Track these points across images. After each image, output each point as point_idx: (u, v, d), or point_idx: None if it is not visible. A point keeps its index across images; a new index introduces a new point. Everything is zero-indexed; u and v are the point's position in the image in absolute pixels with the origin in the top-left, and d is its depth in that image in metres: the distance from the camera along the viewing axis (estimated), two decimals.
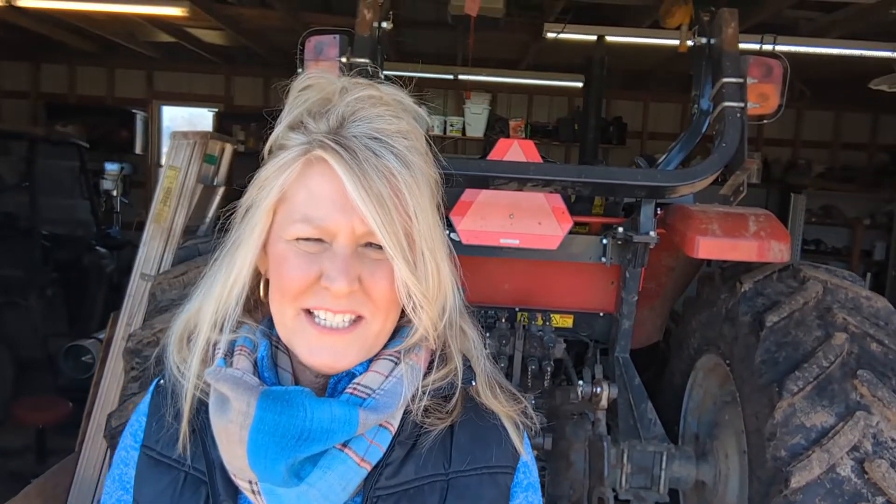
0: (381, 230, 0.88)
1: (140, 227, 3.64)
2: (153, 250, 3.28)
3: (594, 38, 5.41)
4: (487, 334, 3.10)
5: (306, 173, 0.91)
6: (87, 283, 6.67)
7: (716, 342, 3.07)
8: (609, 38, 5.60)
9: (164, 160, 3.48)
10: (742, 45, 2.92)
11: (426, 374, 0.98)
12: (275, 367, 0.97)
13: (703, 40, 2.95)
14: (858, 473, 2.32)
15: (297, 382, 0.97)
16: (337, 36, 2.74)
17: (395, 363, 0.96)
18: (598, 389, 2.86)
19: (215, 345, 0.97)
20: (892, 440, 2.36)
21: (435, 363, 1.00)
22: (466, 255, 3.06)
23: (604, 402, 2.88)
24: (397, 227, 0.89)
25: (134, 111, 9.44)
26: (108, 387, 3.43)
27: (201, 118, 10.06)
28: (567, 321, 3.36)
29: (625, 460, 2.91)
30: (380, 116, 0.92)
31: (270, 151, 0.96)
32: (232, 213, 1.00)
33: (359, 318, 0.92)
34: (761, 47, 2.96)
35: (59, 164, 6.88)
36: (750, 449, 2.70)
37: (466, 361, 1.02)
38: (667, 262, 3.43)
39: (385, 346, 0.98)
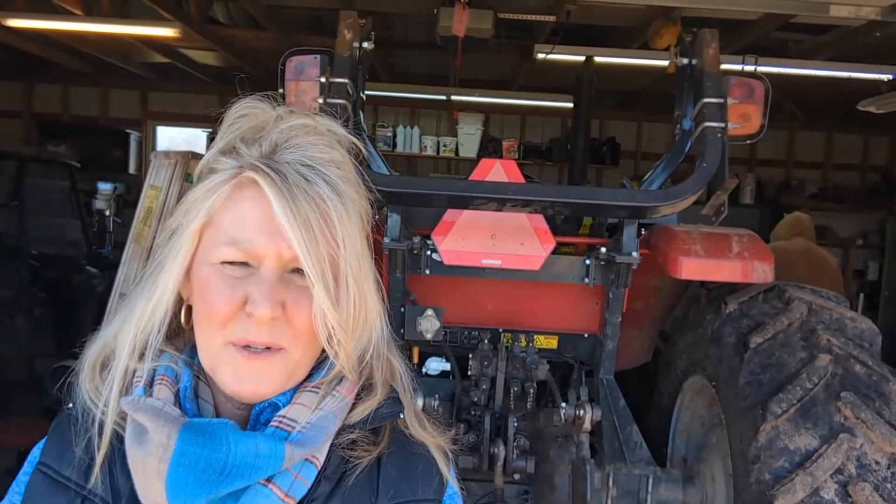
0: (304, 254, 0.86)
1: None
2: (132, 270, 3.26)
3: (583, 58, 5.42)
4: (470, 356, 3.08)
5: (235, 196, 0.90)
6: (76, 304, 6.64)
7: (702, 364, 3.05)
8: (598, 59, 5.62)
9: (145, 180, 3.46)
10: (727, 66, 2.92)
11: (353, 406, 0.96)
12: (196, 398, 0.94)
13: (686, 60, 2.95)
14: (842, 496, 2.30)
15: (218, 415, 0.95)
16: (317, 56, 2.74)
17: (322, 396, 0.94)
18: (582, 412, 2.83)
19: (134, 373, 0.94)
20: (876, 462, 2.34)
21: (362, 395, 0.98)
22: (449, 275, 3.04)
23: (587, 425, 2.85)
24: (321, 252, 0.88)
25: (127, 131, 9.46)
26: None
27: (198, 139, 10.06)
28: (552, 342, 3.33)
29: (610, 483, 2.87)
30: (313, 145, 0.92)
31: (200, 175, 0.95)
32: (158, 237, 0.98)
33: (279, 348, 0.90)
34: (743, 68, 2.96)
35: (49, 183, 6.88)
36: (735, 472, 2.68)
37: (394, 392, 1.00)
38: (654, 283, 3.40)
39: (309, 378, 0.96)
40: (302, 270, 0.89)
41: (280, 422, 0.90)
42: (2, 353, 5.62)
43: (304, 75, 2.72)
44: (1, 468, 4.77)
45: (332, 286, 0.89)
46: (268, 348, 0.89)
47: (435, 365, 3.20)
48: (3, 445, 4.80)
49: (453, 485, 1.02)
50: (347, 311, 0.91)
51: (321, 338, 0.90)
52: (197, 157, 3.47)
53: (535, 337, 3.24)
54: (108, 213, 8.18)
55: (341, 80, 2.69)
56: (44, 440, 1.00)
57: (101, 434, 0.92)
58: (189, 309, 0.96)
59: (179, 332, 1.00)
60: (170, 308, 0.94)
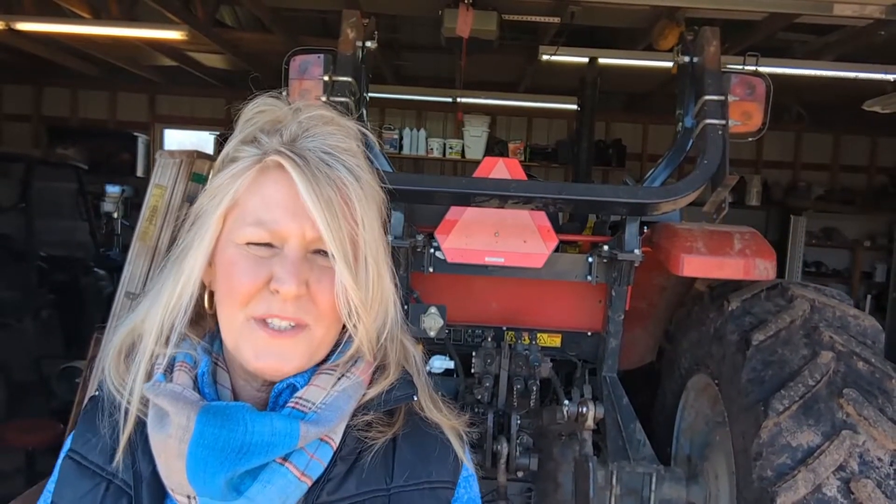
0: (327, 233, 0.90)
1: None
2: (138, 269, 3.28)
3: (587, 59, 5.44)
4: (473, 354, 3.08)
5: (260, 180, 0.93)
6: (84, 305, 6.67)
7: (705, 362, 3.05)
8: (603, 61, 5.63)
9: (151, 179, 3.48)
10: (731, 66, 2.93)
11: (368, 388, 0.99)
12: (214, 383, 0.97)
13: (687, 59, 2.96)
14: (845, 493, 2.29)
15: (236, 399, 0.98)
16: (321, 55, 2.76)
17: (337, 377, 0.97)
18: (585, 409, 2.83)
19: (157, 359, 0.97)
20: (879, 459, 2.33)
21: (376, 377, 1.00)
22: (452, 273, 3.05)
23: (590, 422, 2.85)
24: (343, 232, 0.91)
25: (135, 134, 9.51)
26: None
27: (205, 142, 10.08)
28: (555, 340, 3.34)
29: (614, 481, 2.87)
30: (331, 134, 0.96)
31: (222, 164, 0.98)
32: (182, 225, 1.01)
33: (303, 325, 0.93)
34: (744, 67, 2.96)
35: (57, 186, 6.92)
36: (737, 469, 2.67)
37: (408, 374, 1.03)
38: (658, 281, 3.40)
39: (325, 360, 0.98)
40: (324, 252, 0.92)
41: (296, 403, 0.93)
42: (10, 355, 5.65)
43: (308, 74, 2.74)
44: (9, 468, 4.81)
45: (352, 264, 0.92)
46: (292, 326, 0.92)
47: (438, 363, 3.20)
48: (11, 445, 4.83)
49: (468, 467, 1.04)
50: (367, 289, 0.94)
51: (342, 313, 0.93)
52: (202, 156, 3.49)
53: (539, 335, 3.25)
54: (116, 215, 8.19)
55: (344, 78, 2.71)
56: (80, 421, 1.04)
57: (125, 419, 0.96)
58: (212, 295, 0.99)
59: (199, 321, 1.03)
60: (195, 292, 0.97)
